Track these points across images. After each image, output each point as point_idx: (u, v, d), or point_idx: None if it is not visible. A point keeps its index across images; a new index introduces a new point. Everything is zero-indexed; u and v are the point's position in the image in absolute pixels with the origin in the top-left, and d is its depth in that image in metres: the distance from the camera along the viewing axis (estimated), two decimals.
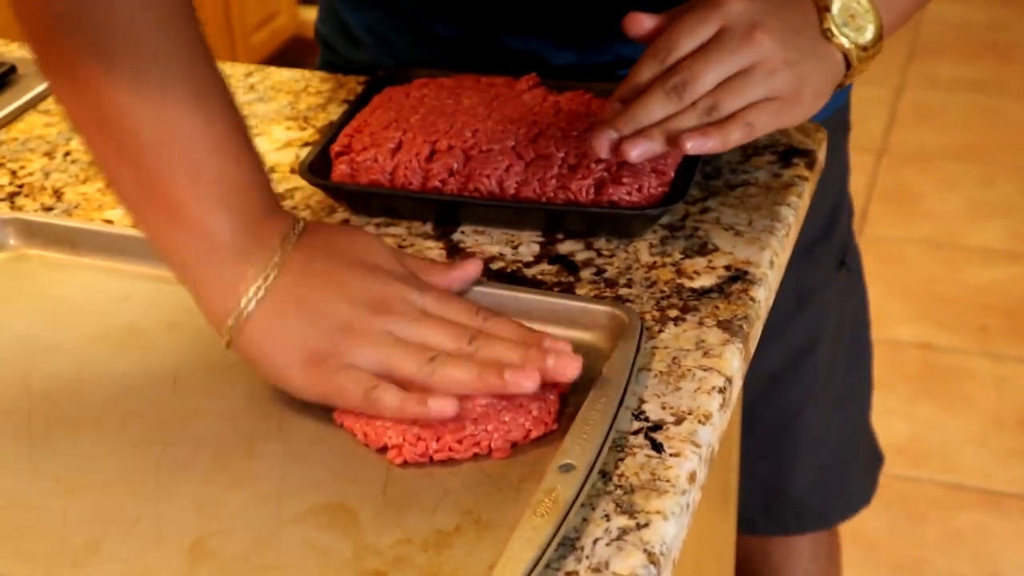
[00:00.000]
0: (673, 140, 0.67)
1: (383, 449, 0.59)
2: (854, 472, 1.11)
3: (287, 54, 2.86)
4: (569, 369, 0.59)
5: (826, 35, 0.70)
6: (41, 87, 0.94)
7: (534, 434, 0.59)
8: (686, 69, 0.67)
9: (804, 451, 1.04)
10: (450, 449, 0.58)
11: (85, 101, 0.61)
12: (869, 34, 0.71)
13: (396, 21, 0.92)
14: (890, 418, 1.92)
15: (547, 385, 0.61)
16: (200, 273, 0.61)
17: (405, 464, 0.58)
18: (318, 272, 0.61)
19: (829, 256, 1.00)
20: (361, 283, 0.62)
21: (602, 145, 0.67)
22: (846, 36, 0.70)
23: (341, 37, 0.97)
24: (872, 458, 1.13)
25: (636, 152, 0.66)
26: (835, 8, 0.70)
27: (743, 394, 0.93)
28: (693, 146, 0.66)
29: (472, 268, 0.66)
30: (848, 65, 0.71)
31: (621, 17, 0.72)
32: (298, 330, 0.60)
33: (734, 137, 0.66)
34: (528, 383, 0.58)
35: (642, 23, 0.71)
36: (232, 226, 0.60)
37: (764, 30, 0.67)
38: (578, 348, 0.64)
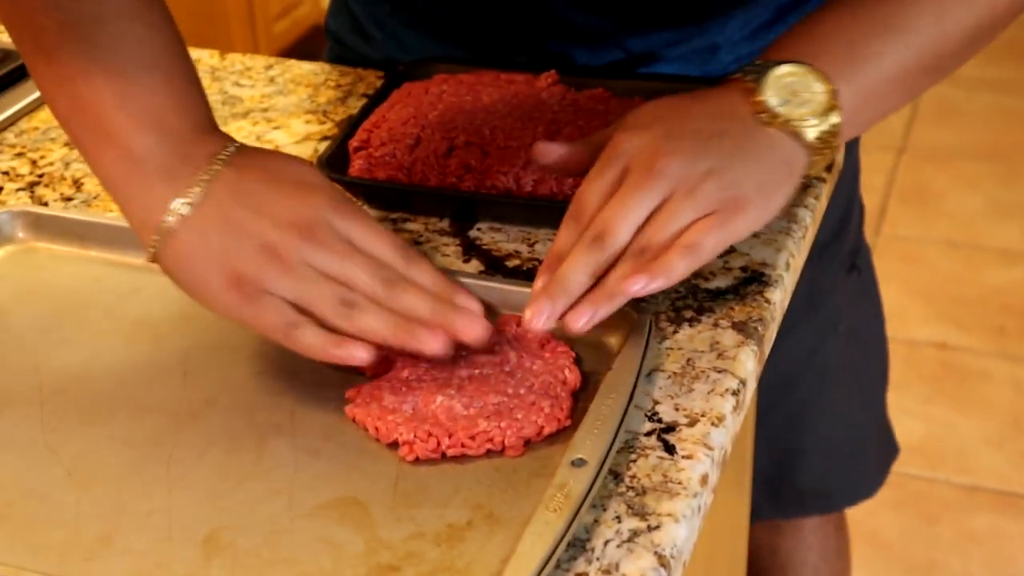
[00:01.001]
0: (623, 296, 0.60)
1: (394, 445, 0.59)
2: (864, 461, 1.11)
3: (309, 43, 2.86)
4: (472, 331, 0.59)
5: (763, 120, 0.64)
6: None
7: (547, 431, 0.59)
8: (600, 221, 0.61)
9: (812, 446, 1.04)
10: (463, 446, 0.58)
11: (24, 19, 0.62)
12: (820, 99, 0.64)
13: (406, 15, 0.92)
14: (906, 418, 1.91)
15: (559, 382, 0.61)
16: (128, 190, 0.62)
17: (417, 461, 0.58)
18: (246, 191, 0.61)
19: (839, 259, 0.99)
20: (288, 203, 0.61)
21: (539, 322, 0.60)
22: (789, 115, 0.63)
23: (351, 32, 0.97)
24: (886, 448, 1.13)
25: (582, 322, 0.60)
26: (767, 92, 0.64)
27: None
28: (637, 288, 0.59)
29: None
30: (810, 145, 0.64)
31: (630, 12, 0.70)
32: (220, 247, 0.60)
33: (679, 266, 0.60)
34: (434, 343, 0.59)
35: (550, 151, 0.68)
36: (158, 144, 0.61)
37: (666, 154, 0.61)
38: (587, 346, 0.64)
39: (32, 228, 0.75)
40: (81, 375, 0.65)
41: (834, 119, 0.64)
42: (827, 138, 0.65)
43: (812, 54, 0.65)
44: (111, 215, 0.77)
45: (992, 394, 1.99)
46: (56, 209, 0.78)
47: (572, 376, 0.62)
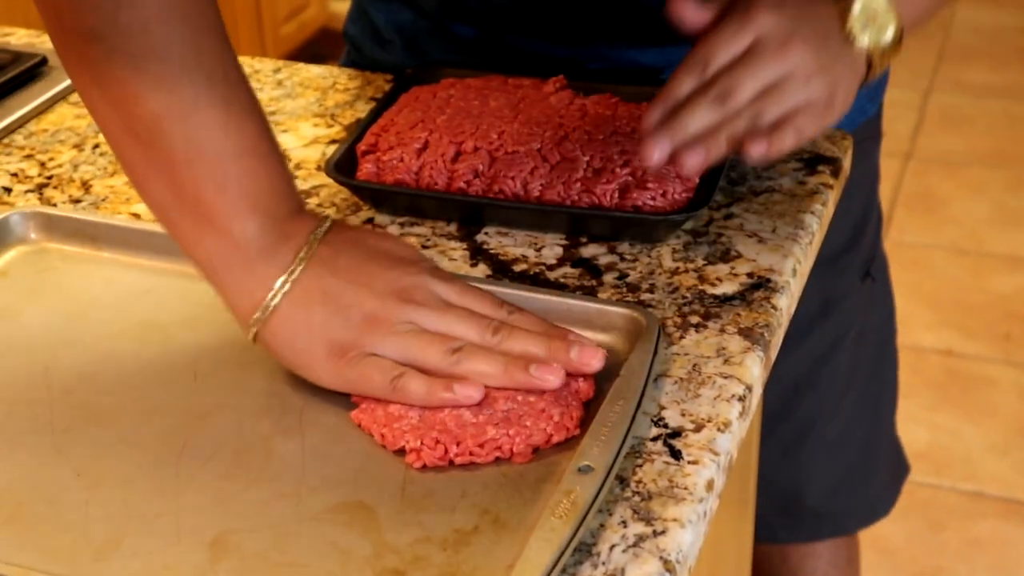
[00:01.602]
0: (731, 146, 0.68)
1: (401, 451, 0.59)
2: (876, 480, 1.11)
3: (316, 46, 2.87)
4: (594, 360, 0.61)
5: (848, 38, 0.71)
6: None
7: (556, 439, 0.59)
8: (728, 78, 0.67)
9: (823, 458, 1.04)
10: (471, 453, 0.58)
11: (115, 109, 0.62)
12: (890, 34, 0.72)
13: (426, 23, 0.92)
14: (911, 425, 1.91)
15: (571, 391, 0.61)
16: (228, 274, 0.63)
17: (424, 468, 0.58)
18: (343, 265, 0.63)
19: (854, 266, 0.99)
20: (385, 274, 0.63)
21: (654, 153, 0.67)
22: (868, 38, 0.71)
23: (370, 38, 0.97)
24: (896, 467, 1.13)
25: (695, 160, 0.67)
26: (856, 10, 0.71)
27: (763, 400, 0.93)
28: (757, 151, 0.67)
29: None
30: (869, 65, 0.73)
31: (632, 21, 0.72)
32: (322, 320, 0.61)
33: (788, 142, 0.68)
34: (553, 377, 0.60)
35: (688, 12, 0.71)
36: (259, 228, 0.62)
37: (798, 40, 0.68)
38: None
39: (44, 229, 0.76)
40: (91, 376, 0.65)
41: (894, 51, 0.73)
42: (882, 66, 0.73)
43: None
44: (122, 217, 0.78)
45: (998, 401, 1.99)
46: (68, 210, 0.78)
47: (585, 384, 0.62)
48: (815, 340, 0.97)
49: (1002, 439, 1.92)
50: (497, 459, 0.58)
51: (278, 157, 0.65)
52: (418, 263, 0.64)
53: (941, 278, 2.27)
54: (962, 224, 2.43)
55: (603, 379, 0.62)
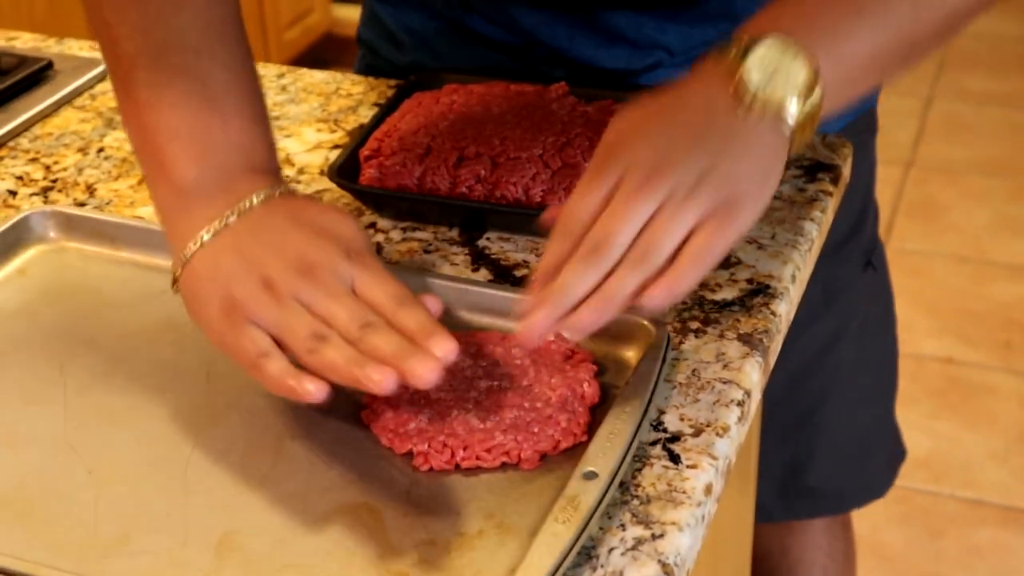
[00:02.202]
0: (625, 301, 0.59)
1: (408, 454, 0.60)
2: (873, 463, 1.11)
3: (319, 51, 2.87)
4: (422, 372, 0.56)
5: (745, 103, 0.62)
6: (77, 83, 0.96)
7: (563, 445, 0.60)
8: (599, 230, 0.60)
9: (823, 443, 1.05)
10: (478, 458, 0.59)
11: (106, 52, 0.67)
12: (800, 78, 0.62)
13: (437, 22, 0.93)
14: (911, 432, 1.90)
15: (577, 396, 0.62)
16: (169, 217, 0.65)
17: (431, 471, 0.59)
18: (267, 227, 0.63)
19: (856, 256, 1.00)
20: (300, 244, 0.62)
21: (536, 333, 0.59)
22: (770, 96, 0.62)
23: (384, 40, 0.98)
24: (893, 451, 1.14)
25: (587, 323, 0.59)
26: (749, 72, 0.62)
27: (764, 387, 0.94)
28: (656, 301, 0.59)
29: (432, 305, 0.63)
30: (792, 121, 0.62)
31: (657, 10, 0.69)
32: (226, 274, 0.62)
33: (691, 274, 0.59)
34: (378, 377, 0.56)
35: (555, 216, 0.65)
36: (202, 176, 0.64)
37: (659, 163, 0.61)
38: (603, 357, 0.65)
39: (63, 228, 0.77)
40: (105, 375, 0.66)
41: (816, 97, 0.62)
42: (809, 117, 0.63)
43: (791, 29, 0.63)
44: (139, 219, 0.78)
45: (998, 409, 2.00)
46: (87, 210, 0.79)
47: (591, 390, 0.62)
48: (818, 329, 0.97)
49: (1002, 447, 1.92)
50: (504, 464, 0.59)
51: (246, 112, 0.65)
52: (340, 241, 0.62)
53: (942, 286, 2.28)
54: (963, 232, 2.44)
55: (612, 384, 0.63)
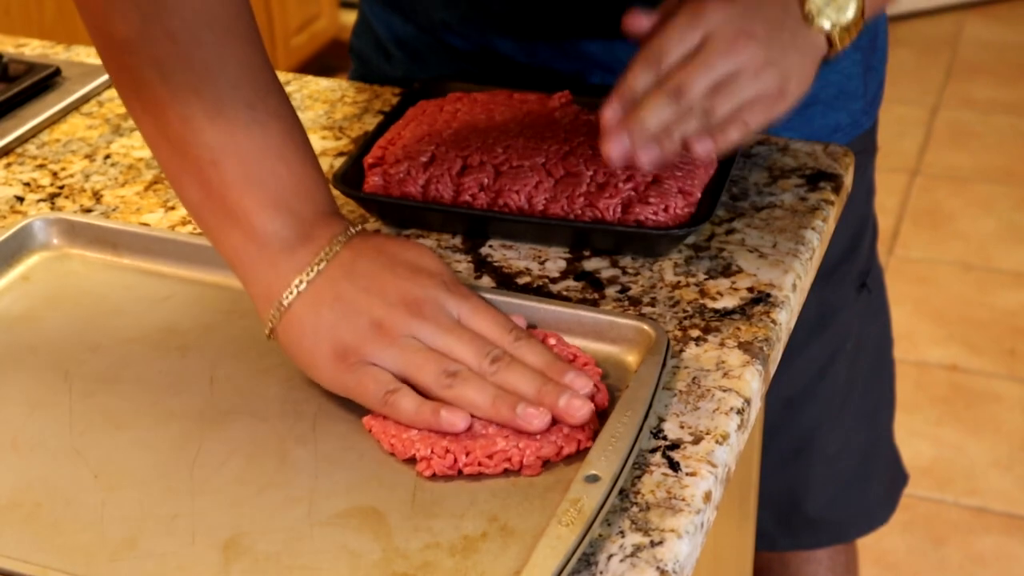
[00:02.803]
0: (681, 144, 0.70)
1: (411, 460, 0.61)
2: (874, 489, 1.11)
3: (327, 57, 2.89)
4: (579, 412, 0.60)
5: (807, 19, 0.72)
6: (84, 90, 0.97)
7: (566, 451, 0.60)
8: (680, 75, 0.69)
9: (821, 469, 1.05)
10: (480, 464, 0.59)
11: (149, 115, 0.66)
12: (850, 13, 0.72)
13: (427, 36, 0.94)
14: (915, 439, 1.92)
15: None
16: (251, 269, 0.65)
17: (434, 476, 0.60)
18: (360, 271, 0.64)
19: (850, 278, 1.00)
20: (399, 284, 0.64)
21: (615, 150, 0.69)
22: (827, 17, 0.72)
23: (374, 51, 0.99)
24: (895, 476, 1.14)
25: (650, 157, 0.69)
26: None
27: (762, 411, 0.94)
28: (703, 148, 0.69)
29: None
30: (830, 43, 0.73)
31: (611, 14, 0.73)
32: (331, 322, 0.63)
33: (733, 137, 0.70)
34: (537, 421, 0.60)
35: (641, 22, 0.73)
36: (281, 226, 0.65)
37: (747, 36, 0.70)
38: (604, 362, 0.66)
39: (67, 235, 0.77)
40: (110, 380, 0.67)
41: (855, 30, 0.73)
42: (843, 45, 0.73)
43: None
44: (144, 225, 0.79)
45: (1002, 416, 2.00)
46: (90, 217, 0.80)
47: (599, 396, 0.63)
48: (813, 352, 0.98)
49: (1006, 455, 1.92)
50: (506, 471, 0.60)
51: (306, 158, 0.67)
52: (436, 276, 0.65)
53: (947, 294, 2.28)
54: (969, 240, 2.44)
55: (614, 388, 0.63)
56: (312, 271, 0.64)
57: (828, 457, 1.05)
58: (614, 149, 0.69)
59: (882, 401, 1.10)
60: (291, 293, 0.64)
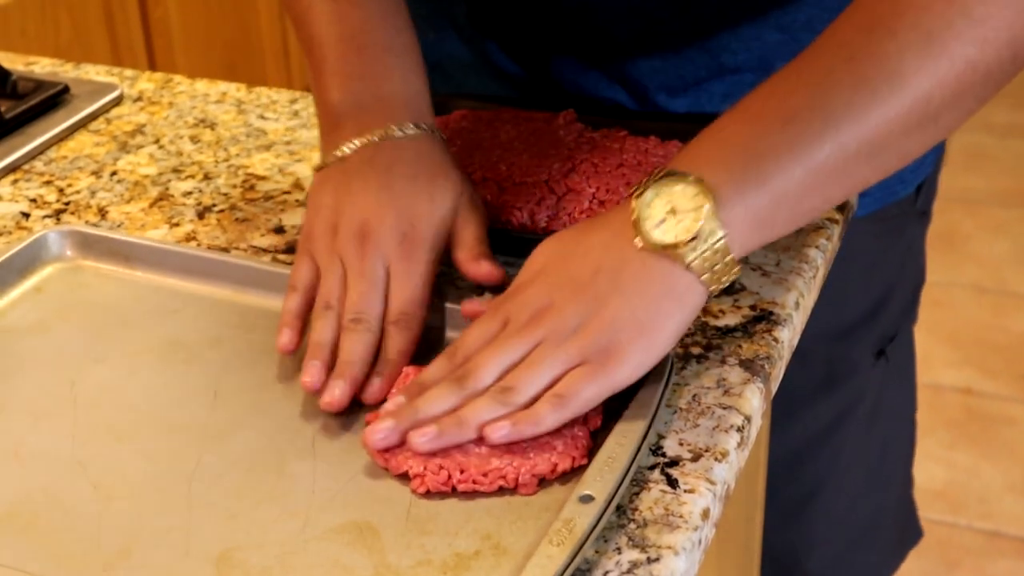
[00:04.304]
0: (472, 430, 0.60)
1: (405, 476, 0.61)
2: (880, 547, 1.08)
3: None
4: (329, 400, 0.64)
5: (640, 246, 0.61)
6: (92, 107, 0.98)
7: (561, 468, 0.60)
8: (470, 363, 0.62)
9: (825, 527, 1.02)
10: (474, 482, 0.59)
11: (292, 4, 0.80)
12: (697, 223, 0.60)
13: (462, 56, 0.93)
14: (929, 463, 1.91)
15: (578, 420, 0.62)
16: (321, 128, 0.77)
17: (428, 493, 0.60)
18: (363, 173, 0.72)
19: (867, 343, 0.96)
20: (371, 207, 0.70)
21: (376, 440, 0.60)
22: (662, 239, 0.60)
23: None
24: (904, 532, 1.10)
25: (422, 440, 0.59)
26: (645, 212, 0.61)
27: (766, 463, 0.93)
28: (501, 434, 0.59)
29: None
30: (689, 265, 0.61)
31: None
32: (320, 202, 0.72)
33: (548, 416, 0.60)
34: (310, 381, 0.65)
35: (474, 307, 0.68)
36: (341, 101, 0.76)
37: (541, 308, 0.62)
38: None
39: (80, 247, 0.78)
40: (115, 392, 0.67)
41: (716, 240, 0.60)
42: (712, 259, 0.61)
43: (707, 164, 0.62)
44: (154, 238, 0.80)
45: (1016, 440, 1.99)
46: (104, 229, 0.81)
47: (593, 415, 0.63)
48: (820, 410, 0.95)
49: (1020, 478, 1.91)
50: (501, 488, 0.59)
51: (378, 46, 0.76)
52: (407, 217, 0.70)
53: (962, 317, 2.27)
54: (984, 263, 2.43)
55: (616, 408, 0.63)
56: (349, 146, 0.73)
57: (833, 516, 1.01)
58: (371, 435, 0.60)
59: (899, 465, 1.07)
60: (336, 153, 0.73)
